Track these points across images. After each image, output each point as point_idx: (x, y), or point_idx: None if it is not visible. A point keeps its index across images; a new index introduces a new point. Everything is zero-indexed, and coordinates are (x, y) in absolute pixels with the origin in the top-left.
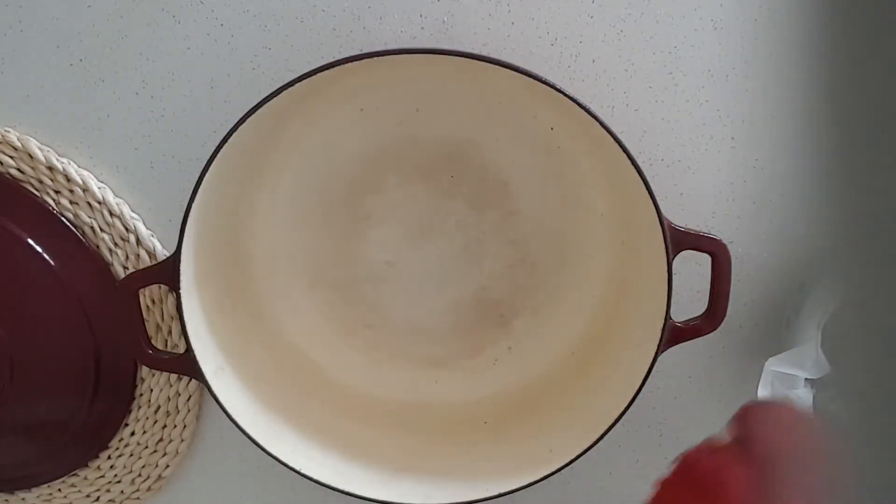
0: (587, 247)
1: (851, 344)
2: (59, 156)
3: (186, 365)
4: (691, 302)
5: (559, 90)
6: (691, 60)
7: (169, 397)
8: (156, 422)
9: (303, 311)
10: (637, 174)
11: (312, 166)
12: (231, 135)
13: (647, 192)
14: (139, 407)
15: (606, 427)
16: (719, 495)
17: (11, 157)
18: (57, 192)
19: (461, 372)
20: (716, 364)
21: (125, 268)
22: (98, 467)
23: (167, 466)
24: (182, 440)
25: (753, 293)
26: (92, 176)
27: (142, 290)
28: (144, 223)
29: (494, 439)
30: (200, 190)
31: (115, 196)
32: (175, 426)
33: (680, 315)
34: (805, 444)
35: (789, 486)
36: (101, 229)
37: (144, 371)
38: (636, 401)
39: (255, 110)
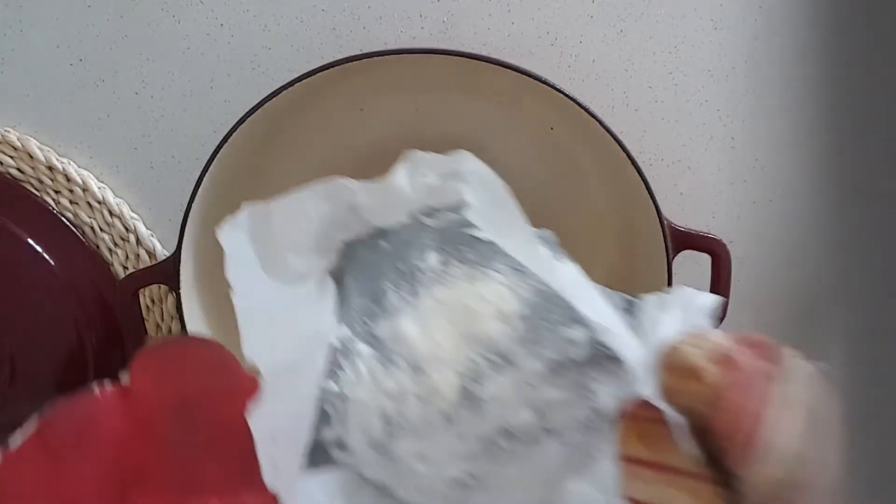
0: (587, 246)
1: (853, 343)
2: (59, 156)
3: None
4: None
5: (559, 90)
6: (691, 60)
7: None
8: None
9: None
10: (637, 174)
11: (312, 166)
12: (231, 135)
13: (647, 192)
14: None
15: None
16: (87, 447)
17: (11, 157)
18: (57, 192)
19: None
20: None
21: (125, 268)
22: None
23: None
24: None
25: (753, 293)
26: (92, 176)
27: (142, 290)
28: (144, 223)
29: None
30: (200, 190)
31: (115, 196)
32: None
33: None
34: (197, 385)
35: (181, 435)
36: (101, 229)
37: None
38: None
39: (255, 110)
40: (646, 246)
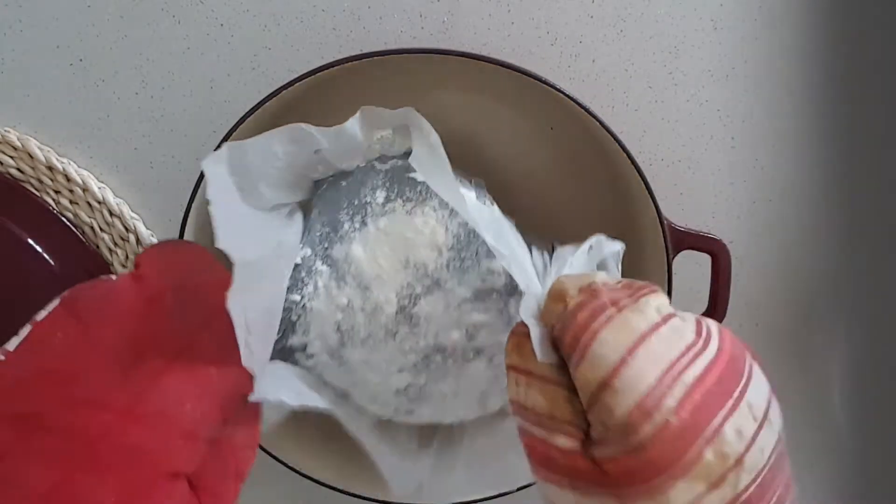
0: None
1: (853, 341)
2: (59, 156)
3: None
4: (691, 302)
5: (559, 90)
6: (691, 60)
7: None
8: None
9: None
10: (637, 174)
11: None
12: (231, 135)
13: (647, 192)
14: None
15: None
16: (108, 316)
17: (11, 157)
18: (57, 192)
19: None
20: None
21: (125, 267)
22: None
23: None
24: None
25: (753, 293)
26: (92, 176)
27: None
28: (144, 223)
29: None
30: (200, 190)
31: (115, 196)
32: None
33: None
34: (192, 275)
35: (181, 312)
36: (101, 229)
37: None
38: None
39: (255, 110)
40: (646, 246)
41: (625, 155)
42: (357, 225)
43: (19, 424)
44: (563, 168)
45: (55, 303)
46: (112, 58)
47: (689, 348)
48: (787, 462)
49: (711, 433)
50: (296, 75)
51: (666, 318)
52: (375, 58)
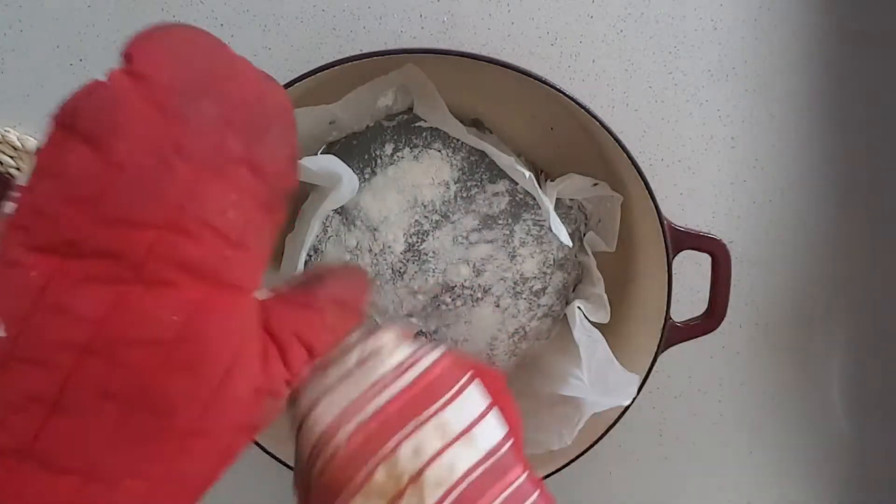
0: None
1: (853, 341)
2: None
3: None
4: (691, 302)
5: (559, 90)
6: (691, 60)
7: None
8: None
9: None
10: (637, 174)
11: None
12: None
13: (647, 192)
14: None
15: (606, 427)
16: (117, 128)
17: (11, 157)
18: None
19: None
20: (716, 364)
21: None
22: None
23: None
24: None
25: (753, 293)
26: None
27: None
28: None
29: None
30: None
31: None
32: None
33: (680, 315)
34: (200, 67)
35: (198, 113)
36: None
37: None
38: (636, 401)
39: None
40: (646, 246)
41: (625, 155)
42: (367, 176)
43: (54, 254)
44: (563, 168)
45: (50, 126)
46: (112, 58)
47: (376, 384)
48: (509, 476)
49: (385, 454)
50: (296, 75)
51: (362, 362)
52: (375, 58)
